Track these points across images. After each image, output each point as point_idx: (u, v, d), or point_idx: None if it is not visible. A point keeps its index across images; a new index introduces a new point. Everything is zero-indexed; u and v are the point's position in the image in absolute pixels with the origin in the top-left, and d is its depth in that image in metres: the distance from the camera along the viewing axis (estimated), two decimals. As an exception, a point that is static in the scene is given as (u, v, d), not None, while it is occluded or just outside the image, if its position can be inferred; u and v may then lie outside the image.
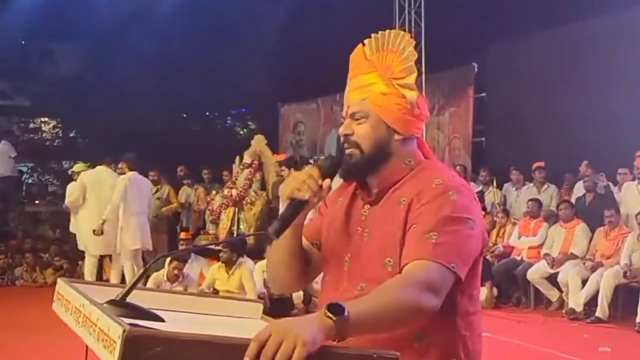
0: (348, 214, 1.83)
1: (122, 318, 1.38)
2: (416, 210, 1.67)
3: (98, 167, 9.02)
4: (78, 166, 9.66)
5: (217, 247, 7.89)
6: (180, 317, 1.80)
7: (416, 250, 1.61)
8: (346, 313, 1.34)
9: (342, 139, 1.80)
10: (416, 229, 1.65)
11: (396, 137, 1.76)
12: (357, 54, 1.82)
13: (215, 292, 7.19)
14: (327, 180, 1.72)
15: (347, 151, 1.78)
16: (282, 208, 1.78)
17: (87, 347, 1.45)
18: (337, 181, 1.89)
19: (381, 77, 1.76)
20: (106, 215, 8.34)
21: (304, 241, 1.88)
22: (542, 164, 9.63)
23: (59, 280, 1.81)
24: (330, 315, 1.33)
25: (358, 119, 1.77)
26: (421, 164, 1.79)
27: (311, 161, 9.94)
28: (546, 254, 8.35)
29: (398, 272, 1.63)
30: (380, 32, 1.80)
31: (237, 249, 7.55)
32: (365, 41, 1.82)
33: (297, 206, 1.70)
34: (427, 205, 1.66)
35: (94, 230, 8.39)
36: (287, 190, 1.71)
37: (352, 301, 1.44)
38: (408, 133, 1.77)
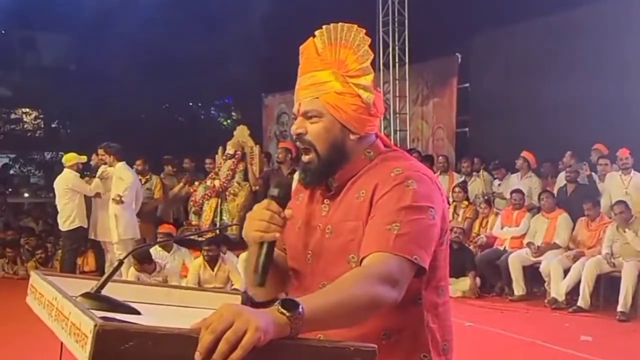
0: (309, 210, 1.79)
1: (96, 311, 1.35)
2: (377, 202, 1.63)
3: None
4: (69, 157, 9.11)
5: (198, 239, 7.90)
6: (157, 310, 1.78)
7: (376, 243, 1.57)
8: (300, 309, 1.28)
9: (294, 137, 1.74)
10: (376, 220, 1.61)
11: (352, 136, 1.72)
12: (307, 48, 1.73)
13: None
14: (289, 210, 1.66)
15: (304, 158, 1.73)
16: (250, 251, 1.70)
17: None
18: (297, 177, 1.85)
19: (335, 75, 1.69)
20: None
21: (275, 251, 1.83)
22: (528, 154, 9.57)
23: (32, 273, 1.78)
24: (284, 311, 1.26)
25: (311, 118, 1.71)
26: (381, 155, 1.75)
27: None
28: (529, 243, 8.40)
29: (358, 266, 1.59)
30: (332, 24, 1.73)
31: (221, 244, 7.66)
32: (317, 32, 1.74)
33: (270, 248, 1.65)
34: (387, 195, 1.62)
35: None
36: (254, 234, 1.64)
37: (308, 296, 1.40)
38: (364, 132, 1.73)
